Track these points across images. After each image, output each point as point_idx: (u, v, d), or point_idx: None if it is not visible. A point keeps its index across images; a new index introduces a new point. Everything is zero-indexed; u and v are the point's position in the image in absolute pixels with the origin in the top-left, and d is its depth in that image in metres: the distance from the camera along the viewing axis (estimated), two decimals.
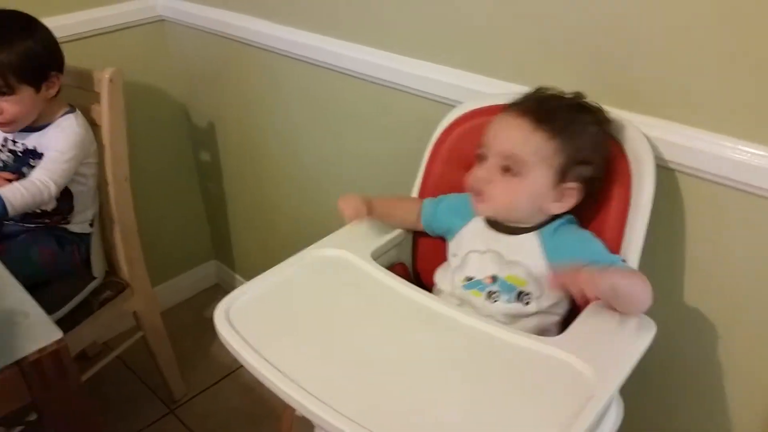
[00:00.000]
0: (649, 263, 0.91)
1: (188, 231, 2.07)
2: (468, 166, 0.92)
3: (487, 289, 0.91)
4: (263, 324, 0.85)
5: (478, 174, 0.88)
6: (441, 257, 1.02)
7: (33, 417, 0.89)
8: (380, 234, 1.03)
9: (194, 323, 2.00)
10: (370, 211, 1.00)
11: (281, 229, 1.77)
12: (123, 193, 1.43)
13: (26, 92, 1.25)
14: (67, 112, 1.34)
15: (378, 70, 1.22)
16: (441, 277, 1.00)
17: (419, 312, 0.86)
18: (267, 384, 0.76)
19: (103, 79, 1.33)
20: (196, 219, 2.08)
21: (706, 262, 0.93)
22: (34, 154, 1.34)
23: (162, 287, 1.97)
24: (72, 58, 1.43)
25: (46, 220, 1.37)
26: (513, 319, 0.89)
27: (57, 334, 0.85)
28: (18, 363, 0.81)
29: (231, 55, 1.58)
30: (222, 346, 0.84)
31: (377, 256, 0.99)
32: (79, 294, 1.40)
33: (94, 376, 1.50)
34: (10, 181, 1.31)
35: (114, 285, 1.48)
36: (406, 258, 1.09)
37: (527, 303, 0.89)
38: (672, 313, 0.99)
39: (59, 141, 1.30)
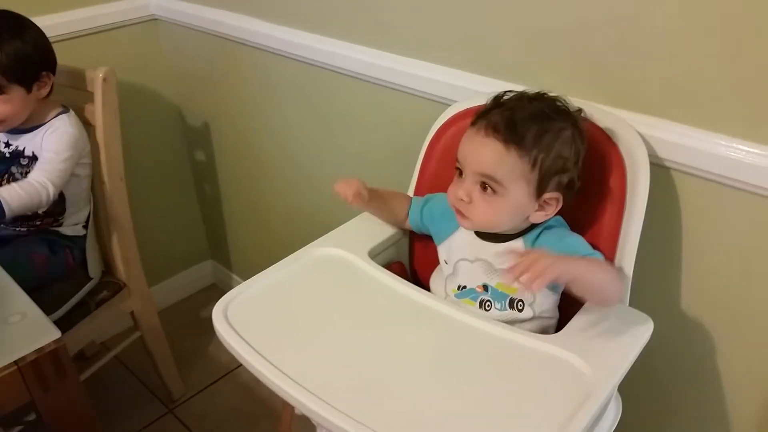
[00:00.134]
0: (645, 261, 0.91)
1: (184, 231, 2.07)
2: None
3: (480, 298, 0.91)
4: (261, 322, 0.85)
5: (458, 194, 0.87)
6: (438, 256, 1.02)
7: (32, 417, 0.89)
8: (377, 233, 1.04)
9: (191, 323, 2.00)
10: (369, 198, 0.99)
11: (277, 228, 1.77)
12: (118, 193, 1.43)
13: (17, 92, 1.24)
14: (60, 113, 1.33)
15: (373, 69, 1.22)
16: (435, 283, 1.00)
17: (417, 310, 0.87)
18: (266, 382, 0.77)
19: (97, 78, 1.33)
20: (192, 219, 2.08)
21: (702, 259, 0.94)
22: (23, 156, 1.33)
23: (158, 287, 1.97)
24: (65, 57, 1.42)
25: (38, 222, 1.36)
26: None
27: (55, 333, 0.86)
28: (16, 363, 0.82)
29: (225, 54, 1.58)
30: (219, 346, 0.84)
31: (374, 255, 0.99)
32: (76, 295, 1.40)
33: (92, 376, 1.49)
34: None
35: (111, 285, 1.48)
36: (404, 257, 1.09)
37: (521, 309, 0.89)
38: (668, 310, 1.00)
39: (54, 142, 1.29)
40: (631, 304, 0.89)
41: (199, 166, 1.96)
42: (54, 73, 1.32)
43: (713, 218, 0.90)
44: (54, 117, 1.33)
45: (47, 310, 0.93)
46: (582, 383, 0.74)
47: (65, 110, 1.34)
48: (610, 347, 0.80)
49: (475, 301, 0.91)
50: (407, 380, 0.76)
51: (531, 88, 0.89)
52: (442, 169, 1.04)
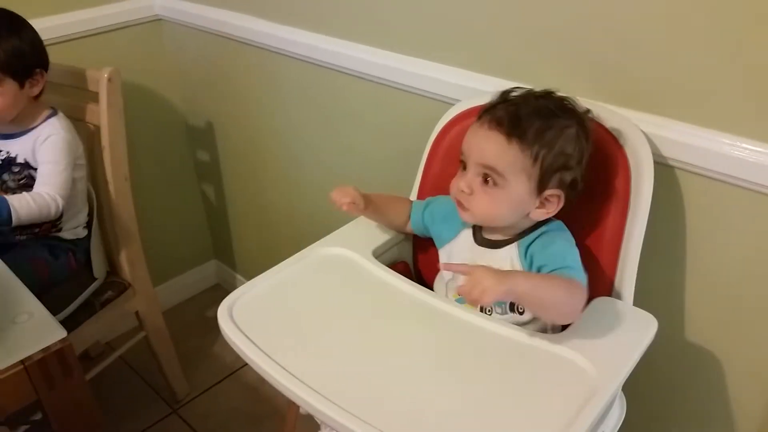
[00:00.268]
0: (649, 259, 0.91)
1: (188, 231, 2.08)
2: None
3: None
4: (266, 322, 0.85)
5: (460, 185, 0.87)
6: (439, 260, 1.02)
7: (38, 416, 0.89)
8: (381, 232, 1.04)
9: (195, 323, 2.01)
10: (366, 205, 0.99)
11: (281, 228, 1.78)
12: (123, 194, 1.43)
13: (10, 86, 1.25)
14: (49, 116, 1.33)
15: (377, 68, 1.22)
16: (437, 287, 1.00)
17: (421, 309, 0.87)
18: (271, 381, 0.77)
19: (102, 78, 1.33)
20: (196, 219, 2.08)
21: (706, 258, 0.94)
22: (15, 163, 1.32)
23: (162, 287, 1.97)
24: (69, 57, 1.43)
25: (36, 230, 1.35)
26: None
27: (61, 333, 0.86)
28: (23, 362, 0.82)
29: (229, 54, 1.58)
30: (224, 346, 0.85)
31: (379, 255, 0.99)
32: (81, 295, 1.40)
33: (97, 376, 1.50)
34: None
35: (115, 285, 1.48)
36: (408, 256, 1.09)
37: (521, 312, 0.89)
38: (672, 309, 1.00)
39: (49, 152, 1.29)
40: (635, 303, 0.89)
41: (203, 166, 1.96)
42: (47, 71, 1.32)
43: (717, 217, 0.90)
44: (43, 120, 1.32)
45: (53, 310, 0.93)
46: (586, 382, 0.74)
47: (54, 112, 1.34)
48: (614, 346, 0.80)
49: (476, 306, 0.91)
50: (412, 379, 0.76)
51: (537, 88, 0.89)
52: (445, 169, 1.04)
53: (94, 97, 1.37)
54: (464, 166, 0.88)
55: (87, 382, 0.94)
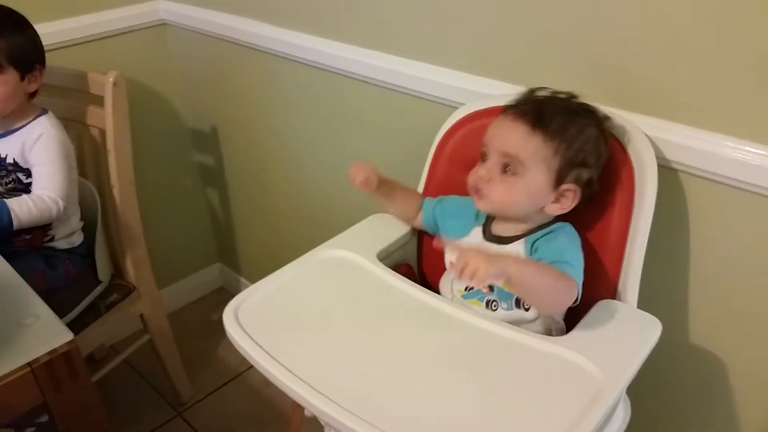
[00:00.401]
0: (653, 262, 0.91)
1: (192, 234, 2.08)
2: (471, 167, 0.93)
3: (486, 298, 0.92)
4: (271, 324, 0.86)
5: (479, 172, 0.90)
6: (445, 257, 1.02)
7: (44, 418, 0.90)
8: (386, 235, 1.04)
9: (199, 326, 2.01)
10: (378, 186, 1.01)
11: (285, 231, 1.78)
12: (128, 197, 1.44)
13: (11, 75, 1.26)
14: (39, 114, 1.33)
15: (381, 72, 1.23)
16: (443, 284, 1.01)
17: (425, 312, 0.87)
18: (277, 383, 0.77)
19: (107, 82, 1.34)
20: (200, 222, 2.09)
21: (709, 261, 0.94)
22: (5, 163, 1.32)
23: (166, 290, 1.98)
24: (75, 62, 1.44)
25: (27, 236, 1.34)
26: (514, 325, 0.90)
27: (68, 335, 0.86)
28: (30, 364, 0.82)
29: (233, 58, 1.59)
30: (228, 349, 0.85)
31: (383, 257, 1.00)
32: (86, 298, 1.41)
33: (102, 379, 1.50)
34: None
35: (120, 288, 1.49)
36: (412, 259, 1.10)
37: (527, 309, 0.90)
38: (676, 312, 1.00)
39: (42, 153, 1.29)
40: (639, 306, 0.89)
41: (207, 170, 1.97)
42: (44, 69, 1.32)
43: (720, 220, 0.90)
44: (33, 119, 1.32)
45: (58, 313, 0.94)
46: (591, 385, 0.74)
47: (44, 111, 1.34)
48: (618, 349, 0.80)
49: (482, 301, 0.92)
50: (416, 382, 0.77)
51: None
52: (450, 172, 1.04)
53: (100, 101, 1.38)
54: (483, 158, 0.90)
55: (93, 384, 0.94)
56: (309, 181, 1.59)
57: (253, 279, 0.93)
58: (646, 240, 0.87)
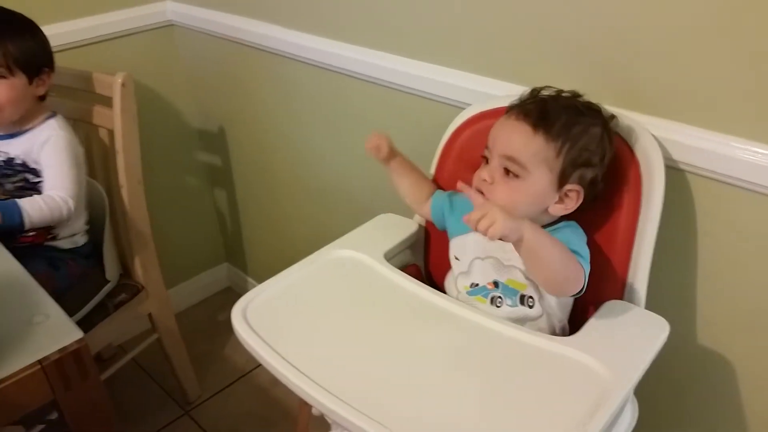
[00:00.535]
0: (661, 263, 0.91)
1: (199, 234, 2.09)
2: (477, 168, 0.93)
3: (491, 295, 0.92)
4: (279, 323, 0.86)
5: (481, 175, 0.89)
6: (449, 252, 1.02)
7: (54, 416, 0.90)
8: (393, 235, 1.05)
9: (207, 326, 2.02)
10: (390, 157, 1.03)
11: (292, 231, 1.79)
12: (136, 197, 1.45)
13: (20, 80, 1.27)
14: (48, 117, 1.34)
15: (387, 72, 1.23)
16: (448, 284, 1.01)
17: (433, 312, 0.88)
18: (285, 382, 0.77)
19: (116, 83, 1.35)
20: (208, 222, 2.10)
21: (717, 262, 0.94)
22: (14, 164, 1.33)
23: (174, 290, 1.99)
24: (82, 63, 1.45)
25: (31, 233, 1.34)
26: (519, 323, 0.90)
27: (77, 334, 0.87)
28: (40, 362, 0.83)
29: (241, 59, 1.60)
30: (235, 349, 0.86)
31: (390, 257, 1.00)
32: (94, 297, 1.42)
33: (110, 378, 1.51)
34: None
35: (129, 288, 1.49)
36: (419, 259, 1.10)
37: (531, 306, 0.90)
38: (684, 313, 1.00)
39: (51, 155, 1.30)
40: (647, 307, 0.89)
41: (214, 170, 1.97)
42: (53, 72, 1.33)
43: (728, 221, 0.90)
44: (42, 122, 1.33)
45: (67, 312, 0.94)
46: (598, 385, 0.74)
47: (53, 114, 1.35)
48: (626, 350, 0.80)
49: (486, 297, 0.92)
50: (423, 381, 0.77)
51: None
52: (456, 172, 1.04)
53: (108, 102, 1.38)
54: (487, 160, 0.90)
55: (102, 382, 0.95)
56: (316, 182, 1.60)
57: (260, 279, 0.94)
58: (654, 241, 0.87)
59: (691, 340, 1.01)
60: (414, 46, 1.18)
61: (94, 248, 1.45)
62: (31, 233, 1.35)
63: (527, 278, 0.89)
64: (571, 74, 0.97)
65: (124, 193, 1.42)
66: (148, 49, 1.73)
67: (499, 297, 0.91)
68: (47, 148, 1.31)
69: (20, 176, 1.34)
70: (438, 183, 1.07)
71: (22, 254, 1.30)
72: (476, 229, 0.78)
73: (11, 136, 1.33)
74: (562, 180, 0.86)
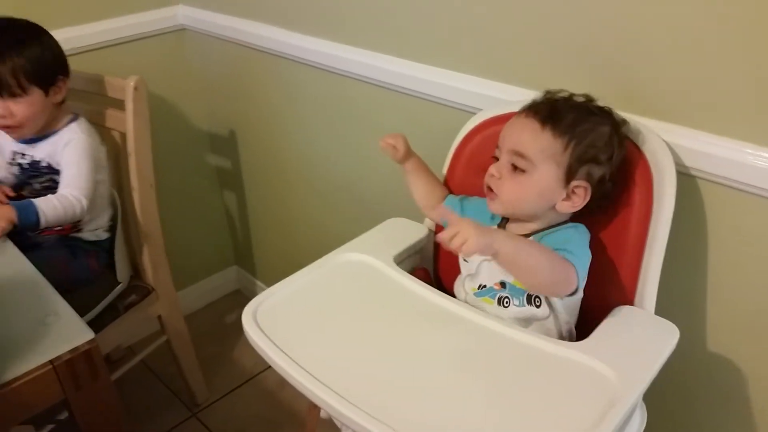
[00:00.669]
0: (672, 269, 0.91)
1: (209, 237, 2.10)
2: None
3: (498, 295, 0.92)
4: (289, 326, 0.87)
5: (491, 170, 0.91)
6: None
7: (64, 415, 0.91)
8: (402, 239, 1.05)
9: (215, 328, 2.03)
10: (406, 158, 1.04)
11: (301, 235, 1.79)
12: (148, 200, 1.45)
13: (36, 95, 1.28)
14: (70, 120, 1.36)
15: (398, 77, 1.23)
16: (456, 286, 1.01)
17: (442, 315, 0.88)
18: (295, 384, 0.78)
19: (128, 86, 1.36)
20: (217, 225, 2.11)
21: (728, 268, 0.94)
22: (40, 167, 1.36)
23: (183, 293, 1.99)
24: (95, 66, 1.46)
25: (57, 227, 1.38)
26: (526, 323, 0.91)
27: (89, 334, 0.88)
28: (52, 362, 0.84)
29: (252, 63, 1.61)
30: (243, 351, 0.86)
31: (399, 261, 1.00)
32: (105, 298, 1.43)
33: (118, 379, 1.52)
34: (8, 196, 1.34)
35: (139, 289, 1.50)
36: (428, 263, 1.10)
37: (538, 305, 0.90)
38: (694, 319, 0.99)
39: (71, 155, 1.32)
40: (657, 312, 0.88)
41: (224, 174, 1.98)
42: (68, 78, 1.35)
43: (739, 227, 0.90)
44: (65, 125, 1.35)
45: (78, 311, 0.95)
46: (608, 390, 0.74)
47: (75, 117, 1.37)
48: (636, 355, 0.80)
49: (494, 298, 0.92)
50: (433, 384, 0.77)
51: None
52: (468, 176, 1.04)
53: (120, 105, 1.40)
54: (497, 160, 0.91)
55: (112, 382, 0.95)
56: (325, 185, 1.60)
57: (269, 282, 0.94)
58: (665, 246, 0.87)
59: (701, 345, 1.01)
60: (423, 50, 1.18)
61: (112, 246, 1.47)
62: (57, 226, 1.37)
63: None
64: (582, 78, 0.97)
65: (136, 195, 1.43)
66: (160, 53, 1.74)
67: (507, 297, 0.91)
68: (67, 150, 1.33)
69: (47, 177, 1.36)
70: (448, 187, 1.08)
71: (45, 240, 1.37)
72: (450, 248, 0.79)
73: (35, 140, 1.36)
74: (569, 175, 0.86)
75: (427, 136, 1.26)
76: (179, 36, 1.76)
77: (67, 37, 1.40)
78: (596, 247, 0.92)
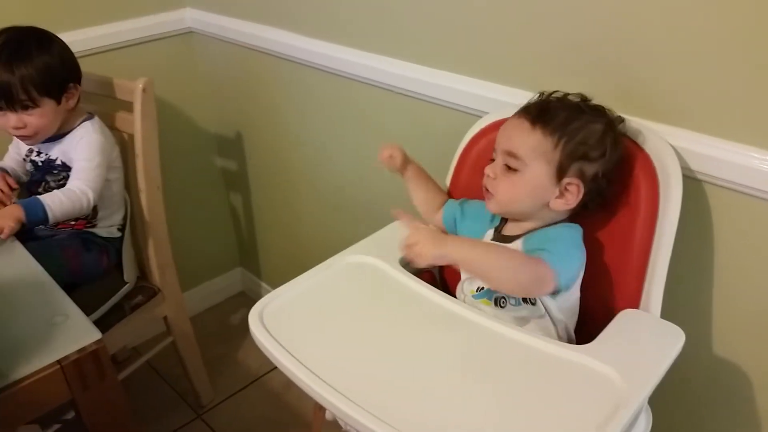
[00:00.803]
0: (678, 272, 0.91)
1: (214, 239, 2.10)
2: None
3: (494, 296, 0.92)
4: (295, 327, 0.87)
5: (486, 171, 0.92)
6: None
7: (71, 415, 0.91)
8: None
9: (220, 330, 2.03)
10: (404, 167, 1.06)
11: (306, 237, 1.79)
12: (155, 201, 1.46)
13: (48, 105, 1.29)
14: (84, 120, 1.37)
15: (404, 81, 1.24)
16: (457, 289, 1.01)
17: (448, 317, 0.88)
18: (301, 385, 0.78)
19: (137, 88, 1.37)
20: (223, 227, 2.11)
21: (734, 272, 0.94)
22: (55, 165, 1.38)
23: (188, 294, 1.99)
24: (102, 69, 1.47)
25: (72, 222, 1.40)
26: (524, 321, 0.91)
27: (96, 334, 0.88)
28: (59, 362, 0.84)
29: (258, 66, 1.61)
30: (248, 353, 0.86)
31: (405, 263, 1.00)
32: (112, 298, 1.43)
33: (124, 380, 1.52)
34: (12, 188, 1.36)
35: (145, 290, 1.51)
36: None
37: (534, 303, 0.90)
38: (700, 323, 0.99)
39: (83, 151, 1.33)
40: (662, 316, 0.88)
41: (230, 176, 1.99)
42: (80, 84, 1.35)
43: (745, 231, 0.90)
44: (79, 124, 1.36)
45: (84, 310, 0.96)
46: (613, 394, 0.74)
47: (90, 117, 1.38)
48: (641, 358, 0.80)
49: (491, 300, 0.93)
50: (437, 386, 0.77)
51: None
52: (473, 179, 1.04)
53: (129, 107, 1.41)
54: (494, 161, 0.92)
55: (119, 382, 0.96)
56: (330, 188, 1.61)
57: (274, 284, 0.95)
58: (671, 250, 0.87)
59: (706, 349, 1.00)
60: (428, 53, 1.19)
61: (122, 245, 1.48)
62: (72, 221, 1.39)
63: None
64: (587, 82, 0.97)
65: (143, 197, 1.44)
66: (168, 56, 1.75)
67: (503, 297, 0.92)
68: (79, 146, 1.34)
69: (62, 174, 1.37)
70: (454, 191, 1.08)
71: (58, 233, 1.39)
72: (406, 256, 0.83)
73: (50, 140, 1.37)
74: (560, 173, 0.87)
75: (432, 139, 1.26)
76: (187, 39, 1.77)
77: (75, 39, 1.41)
78: (601, 249, 0.92)
